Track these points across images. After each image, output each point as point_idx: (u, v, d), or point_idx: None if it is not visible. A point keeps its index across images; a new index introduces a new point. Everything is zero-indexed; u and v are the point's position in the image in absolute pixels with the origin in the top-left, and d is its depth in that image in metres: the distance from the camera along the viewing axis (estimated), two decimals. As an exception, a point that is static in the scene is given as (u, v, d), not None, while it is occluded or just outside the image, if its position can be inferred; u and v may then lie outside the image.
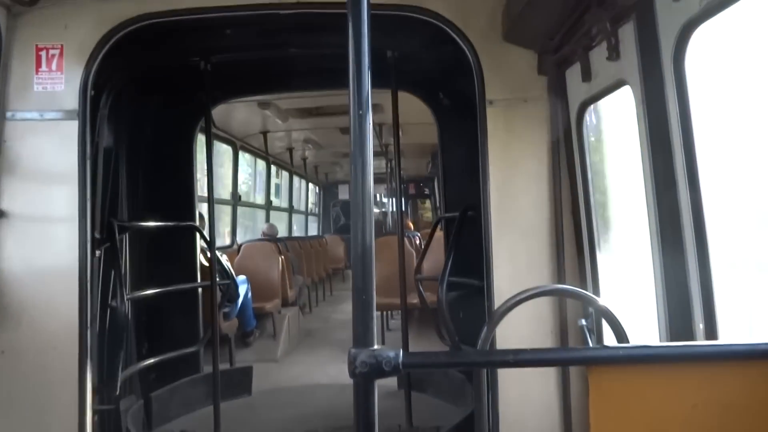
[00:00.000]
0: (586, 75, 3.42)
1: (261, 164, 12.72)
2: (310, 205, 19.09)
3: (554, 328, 3.85)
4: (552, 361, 2.46)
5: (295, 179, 16.03)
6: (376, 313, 1.52)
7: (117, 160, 5.22)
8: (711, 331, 2.52)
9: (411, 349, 5.72)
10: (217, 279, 5.84)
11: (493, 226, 3.90)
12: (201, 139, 6.47)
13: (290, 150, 13.14)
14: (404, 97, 5.58)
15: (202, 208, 6.86)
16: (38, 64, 3.91)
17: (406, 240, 7.15)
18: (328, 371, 7.32)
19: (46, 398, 3.78)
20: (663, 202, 2.69)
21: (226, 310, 7.33)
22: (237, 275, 7.77)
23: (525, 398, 3.85)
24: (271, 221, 12.49)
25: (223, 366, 6.24)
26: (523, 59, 3.97)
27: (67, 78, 3.90)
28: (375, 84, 1.52)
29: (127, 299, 4.71)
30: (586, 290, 3.61)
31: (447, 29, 3.93)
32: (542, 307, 3.83)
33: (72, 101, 3.89)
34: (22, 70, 3.90)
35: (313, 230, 19.18)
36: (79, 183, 3.86)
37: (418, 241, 12.26)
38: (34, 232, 3.89)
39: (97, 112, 4.50)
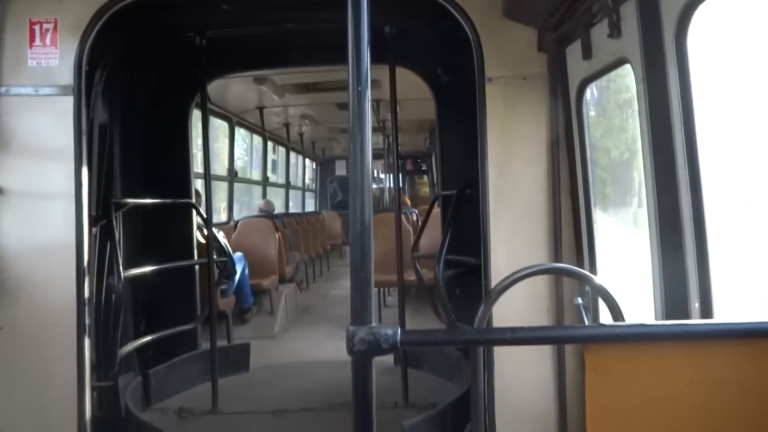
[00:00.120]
0: (587, 52, 3.39)
1: (257, 140, 12.66)
2: (307, 181, 19.05)
3: (551, 307, 3.87)
4: (549, 339, 2.47)
5: (292, 155, 15.97)
6: (374, 291, 1.53)
7: (112, 137, 5.18)
8: (706, 310, 2.53)
9: (407, 325, 5.77)
10: (214, 256, 5.84)
11: (491, 205, 3.90)
12: (196, 115, 6.43)
13: (287, 126, 13.06)
14: (402, 72, 5.53)
15: (198, 184, 6.84)
16: (32, 39, 3.86)
17: (403, 217, 7.14)
18: (326, 347, 7.37)
19: (44, 375, 3.81)
20: (661, 180, 2.69)
21: (224, 287, 7.35)
22: (234, 252, 7.77)
23: (521, 376, 3.89)
24: (268, 197, 12.48)
25: (221, 343, 6.28)
26: (523, 36, 3.92)
27: (62, 53, 3.86)
28: (373, 59, 1.51)
29: (124, 277, 4.71)
30: (583, 269, 3.62)
31: (446, 5, 3.88)
32: (539, 285, 3.84)
33: (67, 77, 3.85)
34: (15, 44, 3.85)
35: (310, 206, 19.17)
36: (75, 159, 3.84)
37: (415, 218, 12.27)
38: (30, 208, 3.87)
39: (92, 88, 4.45)
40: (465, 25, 3.89)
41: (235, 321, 7.94)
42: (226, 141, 10.35)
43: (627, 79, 2.97)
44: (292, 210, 15.48)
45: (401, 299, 5.65)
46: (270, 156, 13.44)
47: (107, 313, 4.78)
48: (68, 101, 3.84)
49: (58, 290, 3.82)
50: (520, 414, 3.88)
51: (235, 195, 10.95)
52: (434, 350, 5.98)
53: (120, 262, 4.64)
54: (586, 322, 3.50)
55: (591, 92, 3.75)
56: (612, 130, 4.30)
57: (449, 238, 5.05)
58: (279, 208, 13.60)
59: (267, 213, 10.97)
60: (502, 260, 3.85)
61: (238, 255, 7.97)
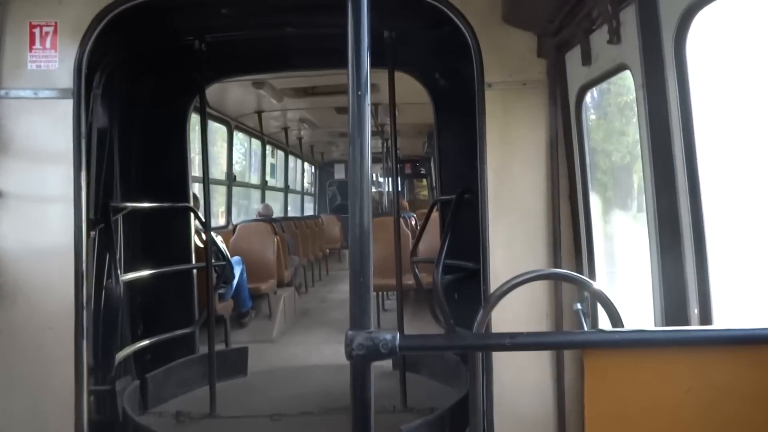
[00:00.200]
0: (586, 58, 3.39)
1: (255, 144, 12.66)
2: (306, 185, 19.05)
3: (549, 312, 3.87)
4: (548, 344, 2.47)
5: (291, 159, 15.97)
6: (373, 296, 1.53)
7: (111, 140, 5.18)
8: (705, 316, 2.53)
9: (406, 329, 5.76)
10: (212, 260, 5.84)
11: (490, 210, 3.90)
12: (194, 119, 6.43)
13: (285, 129, 13.07)
14: (400, 76, 5.54)
15: (195, 188, 6.83)
16: (32, 42, 3.86)
17: (401, 221, 7.14)
18: (324, 352, 7.35)
19: (42, 378, 3.80)
20: (661, 186, 2.69)
21: (222, 291, 7.33)
22: (232, 256, 7.76)
23: (520, 381, 3.88)
24: (267, 201, 12.47)
25: (219, 347, 6.27)
26: (523, 42, 3.93)
27: (61, 56, 3.86)
28: (372, 64, 1.51)
29: (122, 280, 4.70)
30: (582, 274, 3.62)
31: (446, 10, 3.88)
32: (538, 291, 3.84)
33: (66, 80, 3.85)
34: (15, 47, 3.85)
35: (309, 210, 19.17)
36: (74, 163, 3.83)
37: (413, 222, 12.27)
38: (29, 211, 3.87)
39: (91, 91, 4.45)
40: (464, 30, 3.90)
41: (233, 325, 7.92)
42: (224, 145, 10.35)
43: (629, 81, 2.97)
44: (290, 214, 15.48)
45: (400, 304, 5.65)
46: (269, 160, 13.44)
47: (105, 317, 4.77)
48: (68, 104, 3.84)
49: (57, 293, 3.81)
50: (518, 419, 3.87)
51: (233, 199, 10.95)
52: (433, 355, 5.96)
53: (118, 265, 4.63)
54: (585, 328, 3.50)
55: (591, 95, 3.76)
56: (613, 133, 4.31)
57: (448, 243, 5.05)
58: (278, 212, 13.60)
59: (265, 217, 10.97)
60: (501, 265, 3.85)
61: (236, 259, 7.96)
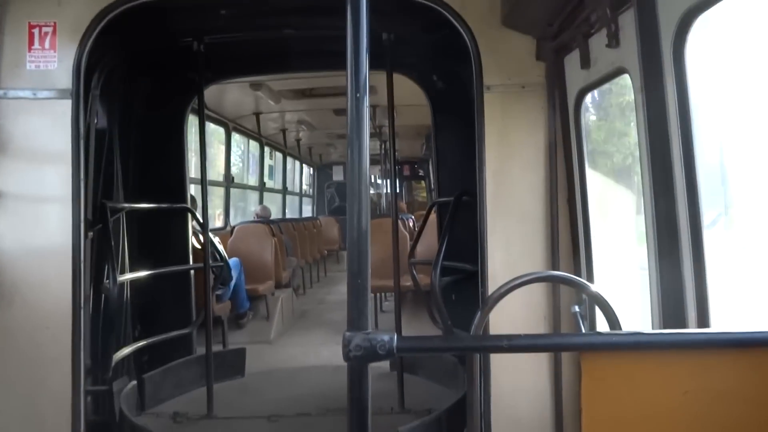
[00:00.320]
0: (585, 62, 3.40)
1: (253, 146, 12.65)
2: (304, 187, 19.04)
3: (547, 315, 3.88)
4: (545, 346, 2.48)
5: (289, 160, 15.97)
6: (370, 297, 1.53)
7: (109, 141, 5.18)
8: (703, 319, 2.54)
9: (404, 331, 5.76)
10: (210, 261, 5.83)
11: (489, 212, 3.90)
12: (192, 120, 6.43)
13: (283, 131, 13.06)
14: (398, 78, 5.55)
15: (192, 189, 6.82)
16: (31, 42, 3.86)
17: (399, 222, 7.15)
18: (322, 353, 7.35)
19: (39, 378, 3.79)
20: (659, 190, 2.70)
21: (219, 292, 7.33)
22: (230, 257, 7.76)
23: (517, 383, 3.88)
24: (265, 203, 12.47)
25: (216, 348, 6.26)
26: (522, 45, 3.94)
27: (60, 56, 3.85)
28: (371, 66, 1.51)
29: (119, 281, 4.70)
30: (580, 277, 3.63)
31: (445, 13, 3.89)
32: (536, 293, 3.85)
33: (65, 80, 3.85)
34: (14, 47, 3.85)
35: (307, 212, 19.16)
36: (72, 163, 3.83)
37: (411, 224, 12.28)
38: (27, 211, 3.86)
39: (90, 91, 4.45)
40: (463, 33, 3.90)
41: (231, 326, 7.92)
42: (220, 147, 10.34)
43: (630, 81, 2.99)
44: (289, 216, 15.47)
45: (398, 305, 5.65)
46: (267, 161, 13.44)
47: (103, 317, 4.76)
48: (66, 105, 3.84)
49: (54, 293, 3.80)
50: (515, 421, 3.88)
51: (230, 201, 10.94)
52: (430, 356, 5.96)
53: (115, 266, 4.63)
54: (583, 330, 3.50)
55: (592, 95, 3.76)
56: (614, 134, 4.32)
57: (446, 245, 5.06)
58: (276, 214, 13.59)
59: (263, 218, 10.97)
60: (498, 267, 3.85)
61: (234, 260, 7.96)
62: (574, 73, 3.68)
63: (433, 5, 3.88)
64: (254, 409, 5.49)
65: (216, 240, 6.91)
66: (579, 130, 3.77)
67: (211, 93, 7.29)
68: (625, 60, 2.94)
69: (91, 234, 4.48)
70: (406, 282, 6.68)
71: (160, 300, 5.76)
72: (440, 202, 6.05)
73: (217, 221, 10.32)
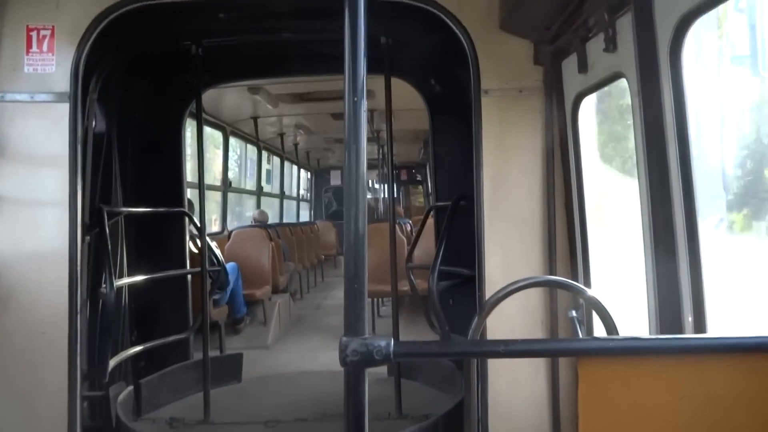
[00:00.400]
0: (583, 66, 3.41)
1: (250, 150, 12.64)
2: (301, 191, 19.04)
3: (545, 319, 3.87)
4: (542, 352, 2.48)
5: (287, 165, 15.97)
6: (367, 302, 1.52)
7: (107, 145, 5.17)
8: (699, 324, 2.54)
9: (401, 336, 5.75)
10: (207, 266, 5.82)
11: (486, 216, 3.90)
12: (189, 124, 6.43)
13: (281, 135, 13.07)
14: (396, 82, 5.55)
15: (188, 193, 6.81)
16: (29, 45, 3.86)
17: (397, 227, 7.15)
18: (319, 358, 7.33)
19: (35, 383, 3.77)
20: (656, 194, 2.70)
21: (216, 297, 7.31)
22: (227, 262, 7.74)
23: (514, 388, 3.88)
24: (262, 207, 12.45)
25: (213, 353, 6.24)
26: (519, 49, 3.95)
27: (58, 60, 3.85)
28: (368, 69, 1.51)
29: (116, 285, 4.68)
30: (577, 282, 3.63)
31: (443, 16, 3.90)
32: (533, 298, 3.85)
33: (63, 83, 3.84)
34: (12, 50, 3.84)
35: (304, 216, 19.15)
36: (70, 167, 3.82)
37: (409, 228, 12.27)
38: (23, 215, 3.85)
39: (87, 95, 4.45)
40: (461, 37, 3.91)
41: (228, 331, 7.89)
42: (216, 151, 10.33)
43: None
44: (286, 220, 15.46)
45: (395, 310, 5.64)
46: (264, 166, 13.44)
47: (99, 322, 4.74)
48: (64, 108, 3.84)
49: (50, 298, 3.79)
50: (513, 426, 3.87)
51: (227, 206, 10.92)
52: (428, 361, 5.96)
53: (112, 270, 4.61)
54: (580, 335, 3.50)
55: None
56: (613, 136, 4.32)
57: (444, 249, 5.05)
58: (273, 218, 13.57)
59: (261, 223, 10.95)
60: (496, 272, 3.85)
61: (231, 265, 7.94)
62: (571, 78, 3.69)
63: (431, 9, 3.89)
64: (251, 415, 5.47)
65: (213, 244, 6.90)
66: (576, 134, 3.77)
67: (209, 97, 7.30)
68: (622, 64, 2.95)
69: (88, 238, 4.47)
70: (404, 287, 6.68)
71: (157, 305, 5.74)
72: (438, 206, 6.05)
73: (213, 226, 10.31)
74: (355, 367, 1.48)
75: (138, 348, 5.27)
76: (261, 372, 6.83)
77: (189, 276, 6.19)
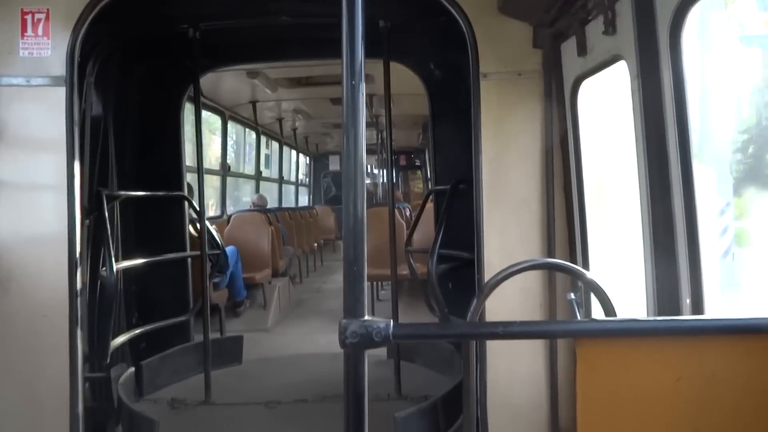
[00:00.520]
0: (582, 49, 3.39)
1: (248, 134, 12.59)
2: (300, 176, 19.01)
3: (543, 302, 3.89)
4: (540, 333, 2.49)
5: (285, 150, 15.93)
6: (366, 284, 1.53)
7: (105, 129, 5.15)
8: (697, 306, 2.55)
9: (400, 319, 5.78)
10: (207, 249, 5.83)
11: (485, 200, 3.91)
12: (188, 109, 6.40)
13: (280, 120, 13.02)
14: (395, 67, 5.53)
15: (188, 178, 6.80)
16: (24, 29, 3.82)
17: (396, 211, 7.16)
18: (319, 340, 7.38)
19: (36, 366, 3.80)
20: (654, 176, 2.70)
21: (216, 280, 7.34)
22: (227, 246, 7.76)
23: (513, 370, 3.90)
24: (261, 192, 12.44)
25: (214, 335, 6.28)
26: (519, 32, 3.92)
27: (54, 43, 3.82)
28: (367, 54, 1.50)
29: (116, 268, 4.70)
30: (576, 264, 3.64)
31: None
32: (531, 280, 3.86)
33: (59, 67, 3.82)
34: (7, 34, 3.81)
35: (303, 201, 19.13)
36: (67, 151, 3.81)
37: (408, 213, 12.28)
38: (21, 200, 3.85)
39: (84, 79, 4.42)
40: (460, 20, 3.88)
41: (228, 315, 7.93)
42: (212, 137, 10.29)
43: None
44: (284, 205, 15.45)
45: (394, 293, 5.67)
46: (263, 151, 13.40)
47: (100, 305, 4.77)
48: (60, 92, 3.81)
49: (50, 281, 3.80)
50: (511, 407, 3.91)
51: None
52: (427, 343, 6.00)
53: (112, 253, 4.62)
54: (578, 317, 3.52)
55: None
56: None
57: (442, 233, 5.06)
58: (272, 203, 13.56)
59: (260, 207, 10.95)
60: (495, 255, 3.86)
61: (231, 248, 7.96)
62: (570, 61, 3.67)
63: None
64: (252, 396, 5.52)
65: (213, 228, 6.91)
66: (575, 118, 3.76)
67: (207, 81, 7.27)
68: (621, 47, 2.93)
69: (87, 222, 4.47)
70: (403, 271, 6.70)
71: (158, 287, 5.77)
72: (437, 190, 6.05)
73: (209, 212, 10.30)
74: (354, 349, 1.49)
75: (139, 330, 5.30)
76: (261, 354, 6.88)
77: (189, 259, 6.21)
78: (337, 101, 10.44)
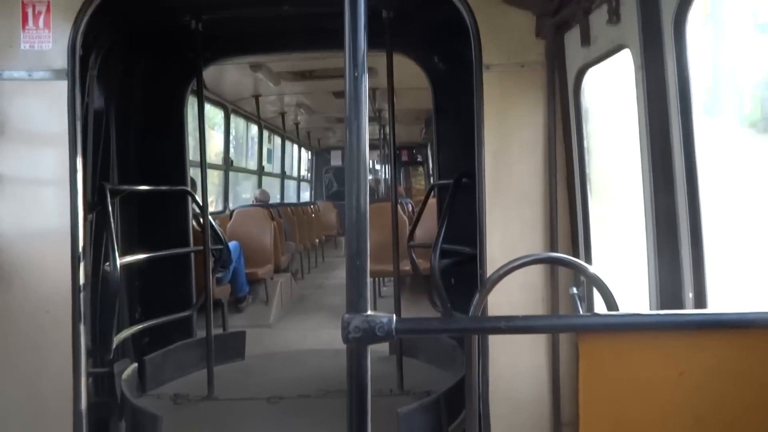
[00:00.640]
0: (585, 39, 3.36)
1: (250, 129, 12.57)
2: (302, 171, 19.00)
3: (545, 296, 3.88)
4: (543, 328, 2.48)
5: (288, 144, 15.91)
6: (369, 279, 1.52)
7: (107, 122, 5.15)
8: (700, 300, 2.54)
9: (403, 315, 5.77)
10: (210, 244, 5.83)
11: (488, 194, 3.89)
12: (191, 103, 6.39)
13: (282, 115, 13.00)
14: (398, 61, 5.50)
15: (190, 172, 6.80)
16: (24, 22, 3.80)
17: (398, 207, 7.16)
18: (321, 336, 7.39)
19: (39, 361, 3.80)
20: (658, 168, 2.69)
21: (219, 275, 7.34)
22: (229, 241, 7.76)
23: (515, 364, 3.90)
24: (263, 187, 12.44)
25: (217, 331, 6.29)
26: (521, 22, 3.89)
27: (55, 36, 3.80)
28: (369, 45, 1.48)
29: (119, 263, 4.70)
30: (578, 258, 3.63)
31: None
32: (534, 275, 3.85)
33: (60, 60, 3.80)
34: (8, 27, 3.79)
35: (305, 197, 19.13)
36: (70, 145, 3.80)
37: (410, 208, 12.26)
38: (24, 194, 3.85)
39: (86, 72, 4.41)
40: (462, 10, 3.85)
41: (231, 310, 7.94)
42: (211, 132, 10.28)
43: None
44: (286, 200, 15.45)
45: (397, 288, 5.66)
46: (266, 145, 13.38)
47: (103, 300, 4.77)
48: (62, 86, 3.80)
49: (53, 277, 3.80)
50: (514, 402, 3.90)
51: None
52: (429, 339, 5.99)
53: (116, 248, 4.62)
54: (581, 312, 3.51)
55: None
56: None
57: (445, 228, 5.05)
58: (274, 198, 13.56)
59: (263, 202, 10.95)
60: (497, 249, 3.85)
61: (233, 244, 7.96)
62: (574, 51, 3.64)
63: None
64: (255, 391, 5.53)
65: (216, 223, 6.91)
66: (579, 109, 3.73)
67: (210, 74, 7.25)
68: (625, 37, 2.91)
69: (90, 216, 4.47)
70: (406, 266, 6.70)
71: (161, 282, 5.78)
72: (440, 184, 6.03)
73: (210, 207, 10.28)
74: (357, 344, 1.48)
75: (142, 325, 5.31)
76: (264, 350, 6.89)
77: (192, 254, 6.21)
78: (340, 94, 10.41)
